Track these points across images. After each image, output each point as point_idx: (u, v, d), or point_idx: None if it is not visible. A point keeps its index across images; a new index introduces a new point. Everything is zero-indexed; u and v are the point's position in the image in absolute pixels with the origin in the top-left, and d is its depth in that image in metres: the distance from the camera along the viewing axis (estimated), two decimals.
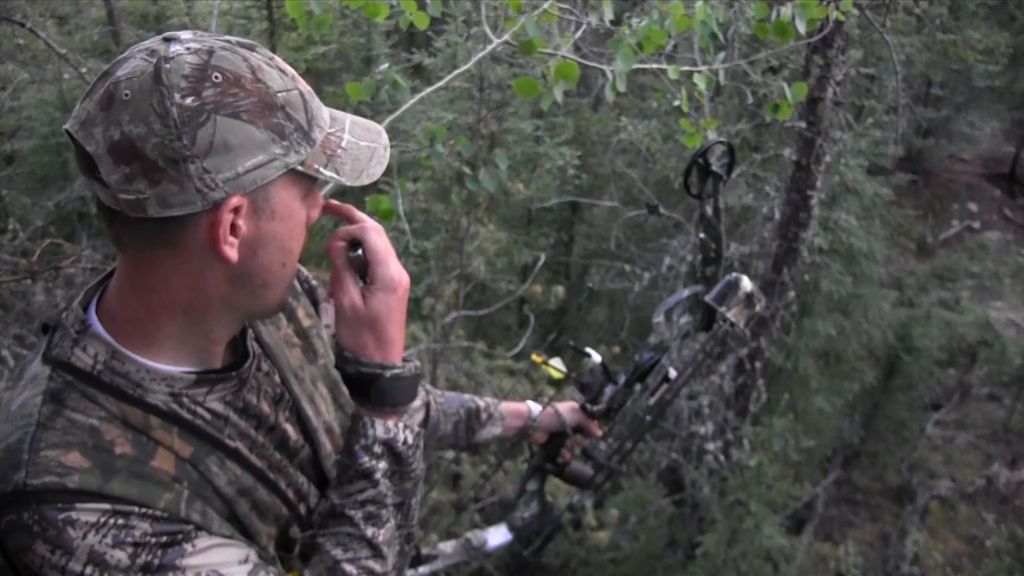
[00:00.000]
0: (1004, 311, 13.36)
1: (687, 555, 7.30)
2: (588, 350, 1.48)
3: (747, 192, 8.26)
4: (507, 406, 1.48)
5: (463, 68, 2.43)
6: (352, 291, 0.94)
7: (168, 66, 0.74)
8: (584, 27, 2.33)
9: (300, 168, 0.81)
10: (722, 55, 2.39)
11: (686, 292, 1.50)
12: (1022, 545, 5.76)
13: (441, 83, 2.45)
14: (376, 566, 0.91)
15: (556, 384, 1.51)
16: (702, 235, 1.52)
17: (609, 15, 2.26)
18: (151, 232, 0.78)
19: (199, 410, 0.86)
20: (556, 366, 1.47)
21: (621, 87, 2.13)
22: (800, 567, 7.39)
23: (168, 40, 0.78)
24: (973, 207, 18.79)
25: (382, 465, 0.93)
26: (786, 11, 2.29)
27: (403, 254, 7.38)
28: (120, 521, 0.76)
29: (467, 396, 1.44)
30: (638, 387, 1.46)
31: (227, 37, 0.81)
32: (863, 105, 8.99)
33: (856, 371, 9.80)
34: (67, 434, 0.78)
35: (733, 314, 1.42)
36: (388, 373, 0.93)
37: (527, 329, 6.39)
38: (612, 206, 8.78)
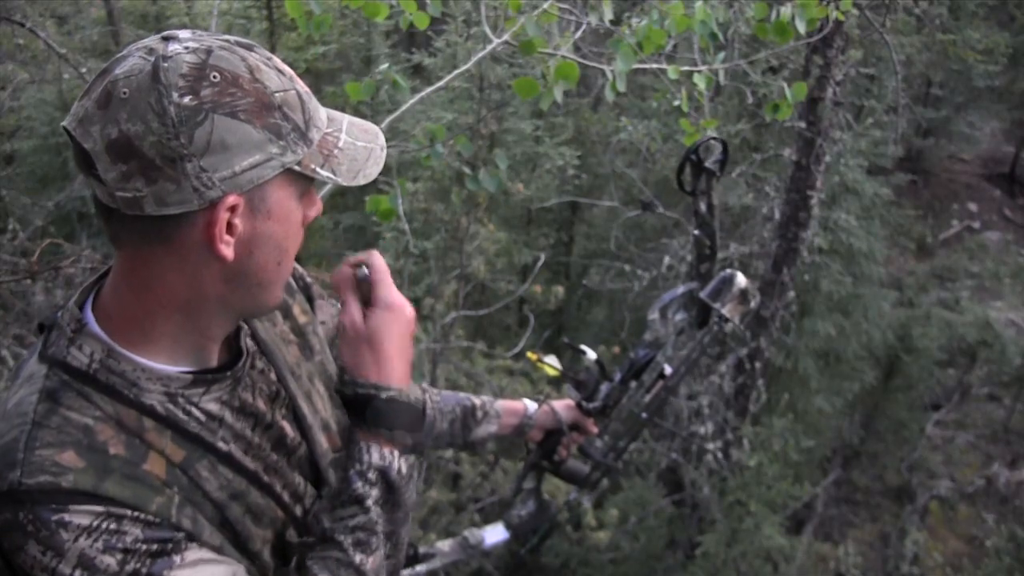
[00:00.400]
0: (1004, 311, 13.34)
1: (687, 555, 7.30)
2: (583, 348, 1.47)
3: (747, 192, 8.26)
4: (503, 404, 1.47)
5: (463, 68, 2.45)
6: (354, 310, 0.96)
7: (166, 65, 0.74)
8: (584, 27, 2.33)
9: (297, 168, 0.81)
10: (722, 55, 2.39)
11: (681, 289, 1.49)
12: (1022, 545, 5.77)
13: (441, 83, 2.46)
14: None
15: (552, 382, 1.52)
16: (696, 232, 1.52)
17: (609, 15, 2.26)
18: (148, 230, 0.78)
19: (194, 411, 0.85)
20: (551, 364, 1.47)
21: (621, 87, 2.13)
22: (800, 567, 7.39)
23: (167, 39, 0.78)
24: (973, 207, 18.78)
25: (375, 492, 0.92)
26: (786, 11, 2.30)
27: (403, 254, 7.41)
28: (112, 525, 0.76)
29: (463, 394, 1.43)
30: (633, 384, 1.45)
31: (226, 36, 0.81)
32: (863, 105, 8.99)
33: (856, 371, 9.80)
34: (62, 433, 0.78)
35: (727, 310, 1.41)
36: (384, 394, 0.93)
37: (527, 329, 6.39)
38: (612, 206, 8.78)
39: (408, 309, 0.95)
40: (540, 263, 7.05)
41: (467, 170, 2.36)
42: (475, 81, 7.06)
